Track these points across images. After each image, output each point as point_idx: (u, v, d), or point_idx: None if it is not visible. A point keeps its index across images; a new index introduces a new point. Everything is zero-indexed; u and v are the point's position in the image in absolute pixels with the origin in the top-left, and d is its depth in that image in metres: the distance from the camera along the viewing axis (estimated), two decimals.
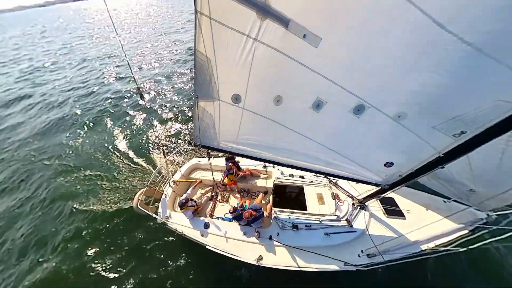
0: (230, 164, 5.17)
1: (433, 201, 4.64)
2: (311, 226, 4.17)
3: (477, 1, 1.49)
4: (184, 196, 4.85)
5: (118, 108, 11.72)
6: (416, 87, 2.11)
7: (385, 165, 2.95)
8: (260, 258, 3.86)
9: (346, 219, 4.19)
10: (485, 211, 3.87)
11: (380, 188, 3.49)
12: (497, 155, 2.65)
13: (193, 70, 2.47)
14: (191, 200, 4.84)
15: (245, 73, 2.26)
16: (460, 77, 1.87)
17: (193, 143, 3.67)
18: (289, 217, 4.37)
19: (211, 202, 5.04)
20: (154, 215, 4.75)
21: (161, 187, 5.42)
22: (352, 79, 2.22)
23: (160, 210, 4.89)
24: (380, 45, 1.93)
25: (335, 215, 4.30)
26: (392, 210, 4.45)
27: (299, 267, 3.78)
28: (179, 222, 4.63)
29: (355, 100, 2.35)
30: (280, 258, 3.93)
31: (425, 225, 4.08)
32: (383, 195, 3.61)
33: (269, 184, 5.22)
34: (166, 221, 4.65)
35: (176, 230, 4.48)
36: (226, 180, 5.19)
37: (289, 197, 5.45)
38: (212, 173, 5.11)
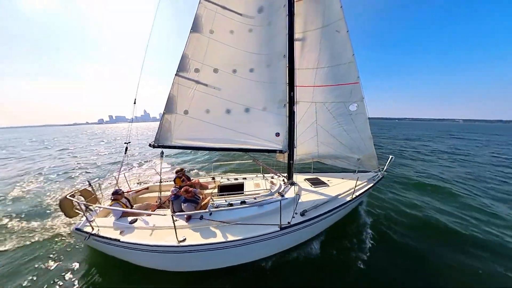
0: (180, 169, 5.89)
1: (346, 175, 6.49)
2: (245, 202, 4.51)
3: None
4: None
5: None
6: (263, 96, 5.41)
7: (276, 135, 5.43)
8: (183, 239, 3.69)
9: (279, 192, 5.09)
10: (379, 171, 6.19)
11: (288, 160, 5.55)
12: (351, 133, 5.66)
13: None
14: (127, 198, 4.82)
15: (189, 100, 5.21)
16: (273, 90, 5.32)
17: (152, 145, 4.92)
18: (225, 200, 4.57)
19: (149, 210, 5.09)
20: (77, 210, 4.28)
21: (101, 195, 5.22)
22: (239, 98, 5.39)
23: (84, 216, 4.13)
24: (244, 90, 5.36)
25: (269, 191, 5.07)
26: (317, 182, 6.04)
27: (227, 241, 3.65)
28: (100, 224, 4.15)
29: (244, 107, 5.41)
30: (208, 236, 3.80)
31: (343, 186, 5.67)
32: (293, 162, 5.52)
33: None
34: (81, 228, 4.06)
35: (90, 233, 3.93)
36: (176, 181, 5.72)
37: (231, 190, 5.46)
38: (160, 175, 5.93)
